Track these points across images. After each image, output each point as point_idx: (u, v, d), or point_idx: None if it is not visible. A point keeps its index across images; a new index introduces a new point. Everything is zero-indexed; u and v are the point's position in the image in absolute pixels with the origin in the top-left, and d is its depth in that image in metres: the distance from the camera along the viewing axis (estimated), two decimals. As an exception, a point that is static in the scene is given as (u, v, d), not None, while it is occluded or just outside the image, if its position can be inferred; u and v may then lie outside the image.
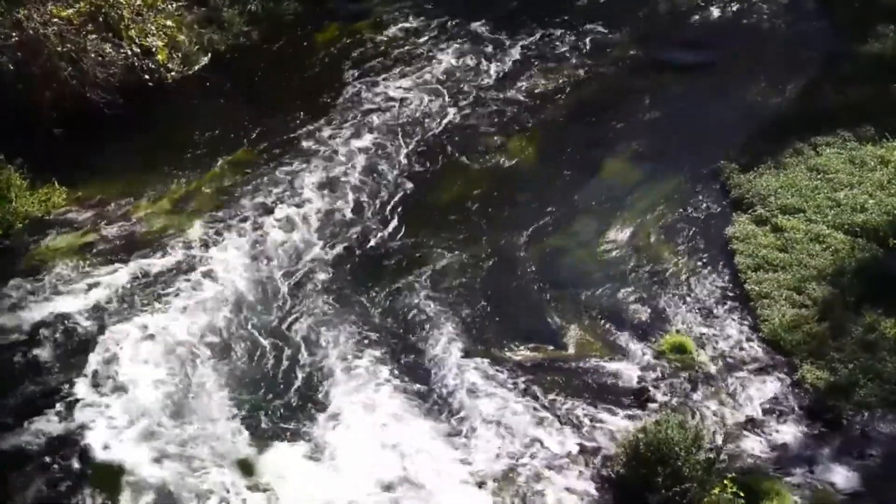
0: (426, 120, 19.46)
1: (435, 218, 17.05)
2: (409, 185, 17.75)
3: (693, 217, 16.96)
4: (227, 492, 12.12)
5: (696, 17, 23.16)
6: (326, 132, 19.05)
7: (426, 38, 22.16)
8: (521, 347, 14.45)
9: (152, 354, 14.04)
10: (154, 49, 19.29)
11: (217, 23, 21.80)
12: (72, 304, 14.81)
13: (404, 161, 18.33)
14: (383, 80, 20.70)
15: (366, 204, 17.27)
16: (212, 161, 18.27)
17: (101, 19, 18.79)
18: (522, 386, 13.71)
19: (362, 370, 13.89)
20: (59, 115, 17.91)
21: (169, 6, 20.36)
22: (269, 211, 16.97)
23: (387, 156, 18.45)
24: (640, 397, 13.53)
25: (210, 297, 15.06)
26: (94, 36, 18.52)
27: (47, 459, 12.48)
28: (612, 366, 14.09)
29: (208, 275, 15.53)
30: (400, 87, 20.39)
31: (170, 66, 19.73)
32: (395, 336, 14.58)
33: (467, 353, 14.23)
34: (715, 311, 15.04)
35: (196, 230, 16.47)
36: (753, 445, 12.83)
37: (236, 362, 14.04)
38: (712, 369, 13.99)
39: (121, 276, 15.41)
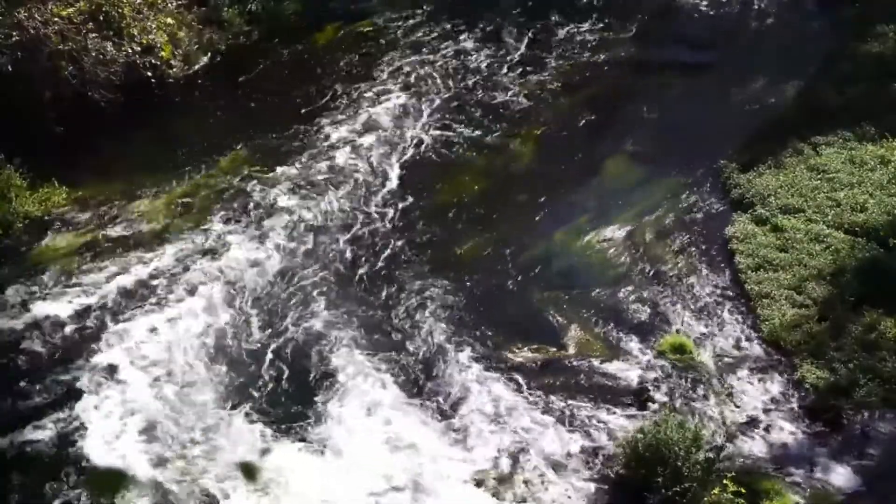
0: (426, 119, 19.45)
1: (435, 218, 17.04)
2: (409, 184, 17.75)
3: (693, 217, 16.96)
4: (228, 493, 12.12)
5: (696, 17, 23.18)
6: (326, 131, 19.06)
7: (426, 38, 22.14)
8: (522, 347, 14.45)
9: (153, 355, 14.05)
10: (157, 46, 19.30)
11: (217, 22, 21.79)
12: (72, 304, 14.82)
13: (404, 160, 18.33)
14: (383, 80, 20.70)
15: (366, 203, 17.27)
16: (212, 160, 18.26)
17: (101, 18, 18.79)
18: (523, 386, 13.72)
19: (363, 370, 13.89)
20: (60, 114, 17.90)
21: (169, 5, 20.36)
22: (269, 210, 16.98)
23: (387, 155, 18.45)
24: (640, 397, 13.54)
25: (211, 297, 15.07)
26: (94, 35, 18.51)
27: (47, 460, 12.49)
28: (612, 366, 14.09)
29: (209, 274, 15.53)
30: (400, 88, 20.39)
31: (171, 62, 19.74)
32: (395, 336, 14.57)
33: (468, 353, 14.23)
34: (715, 310, 15.04)
35: (196, 229, 16.47)
36: (753, 445, 12.84)
37: (237, 362, 14.05)
38: (712, 369, 14.00)
39: (121, 276, 15.41)
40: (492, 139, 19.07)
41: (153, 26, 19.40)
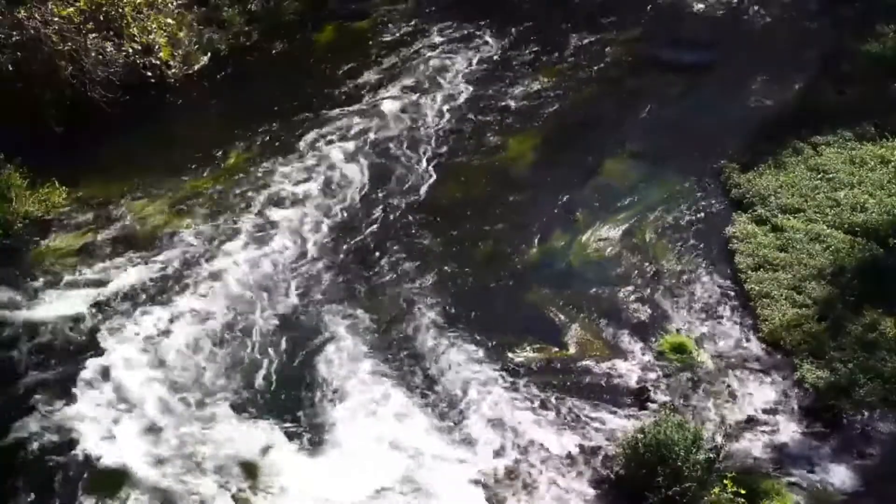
0: (425, 120, 19.45)
1: (435, 218, 17.03)
2: (408, 185, 17.74)
3: (693, 217, 16.96)
4: (228, 493, 12.12)
5: (696, 16, 23.18)
6: (325, 132, 19.04)
7: (426, 38, 22.14)
8: (523, 347, 14.44)
9: (152, 354, 14.04)
10: (156, 46, 19.30)
11: (217, 22, 21.83)
12: (71, 304, 14.81)
13: (403, 161, 18.32)
14: (382, 80, 20.70)
15: (365, 204, 17.26)
16: (212, 160, 18.26)
17: (101, 17, 18.78)
18: (523, 385, 13.72)
19: (363, 370, 13.89)
20: (60, 113, 17.94)
21: (169, 4, 20.35)
22: (268, 210, 16.97)
23: (386, 155, 18.45)
24: (640, 397, 13.54)
25: (210, 298, 15.07)
26: (94, 34, 18.51)
27: (46, 461, 12.48)
28: (612, 366, 14.09)
29: (208, 275, 15.53)
30: (399, 88, 20.39)
31: (171, 63, 19.75)
32: (395, 335, 14.57)
33: (468, 353, 14.23)
34: (715, 310, 15.04)
35: (196, 230, 16.47)
36: (753, 445, 12.84)
37: (236, 362, 14.05)
38: (712, 369, 14.00)
39: (120, 276, 15.40)
40: (492, 138, 19.07)
41: (153, 26, 19.40)
